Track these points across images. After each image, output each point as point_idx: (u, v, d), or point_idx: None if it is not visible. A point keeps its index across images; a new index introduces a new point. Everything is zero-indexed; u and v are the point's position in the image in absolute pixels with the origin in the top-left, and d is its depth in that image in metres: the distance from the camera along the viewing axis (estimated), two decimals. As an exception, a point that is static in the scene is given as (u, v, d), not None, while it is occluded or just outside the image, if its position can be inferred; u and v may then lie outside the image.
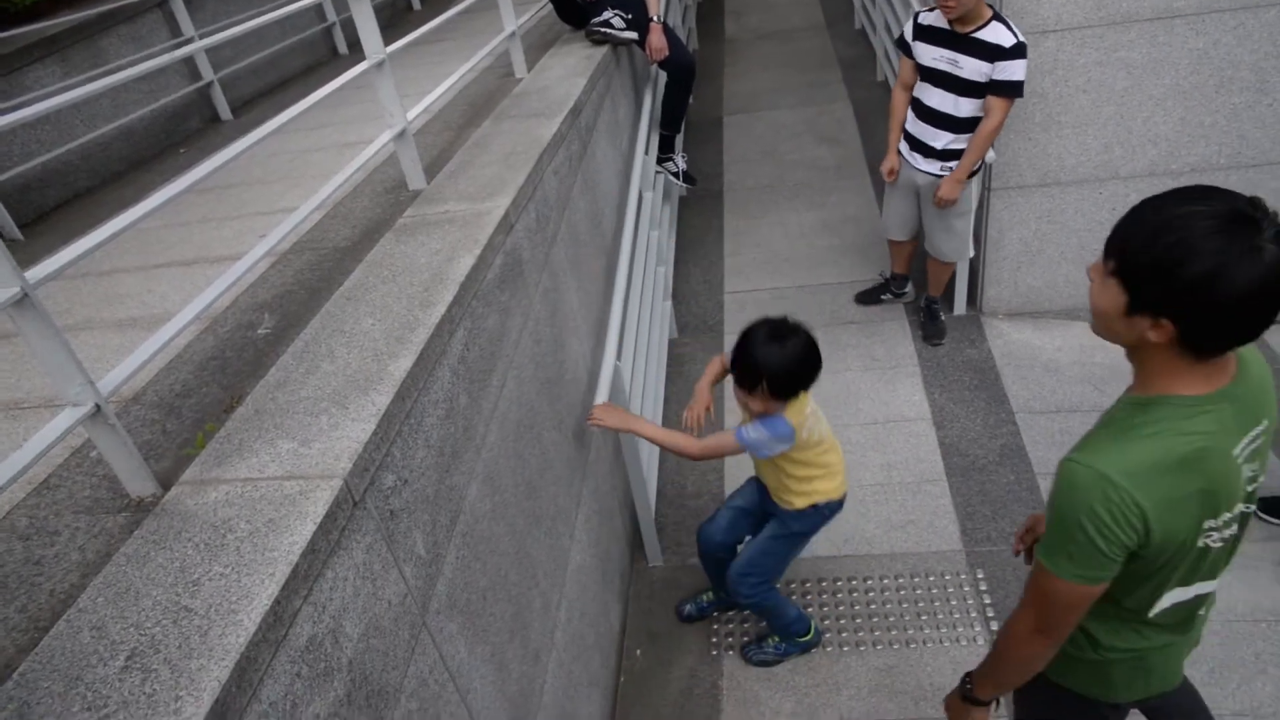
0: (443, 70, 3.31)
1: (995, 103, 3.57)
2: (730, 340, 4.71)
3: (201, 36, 4.72)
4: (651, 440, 2.78)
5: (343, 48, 6.23)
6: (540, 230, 2.65)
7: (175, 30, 4.66)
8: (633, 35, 4.20)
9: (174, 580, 1.23)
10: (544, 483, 2.45)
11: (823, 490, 2.66)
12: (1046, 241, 4.41)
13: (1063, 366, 4.23)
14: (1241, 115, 3.98)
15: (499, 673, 1.97)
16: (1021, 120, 4.05)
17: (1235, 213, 1.23)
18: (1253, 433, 1.43)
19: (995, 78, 3.51)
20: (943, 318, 4.55)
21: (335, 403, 1.55)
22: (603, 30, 4.15)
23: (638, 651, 3.21)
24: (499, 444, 2.11)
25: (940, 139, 3.77)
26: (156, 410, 1.81)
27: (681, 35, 6.49)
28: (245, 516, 1.32)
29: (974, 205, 4.06)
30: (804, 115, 7.18)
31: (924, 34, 3.69)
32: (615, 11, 4.14)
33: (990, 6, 3.51)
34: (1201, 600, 1.59)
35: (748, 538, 2.97)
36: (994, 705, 1.82)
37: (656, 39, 4.18)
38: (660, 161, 4.85)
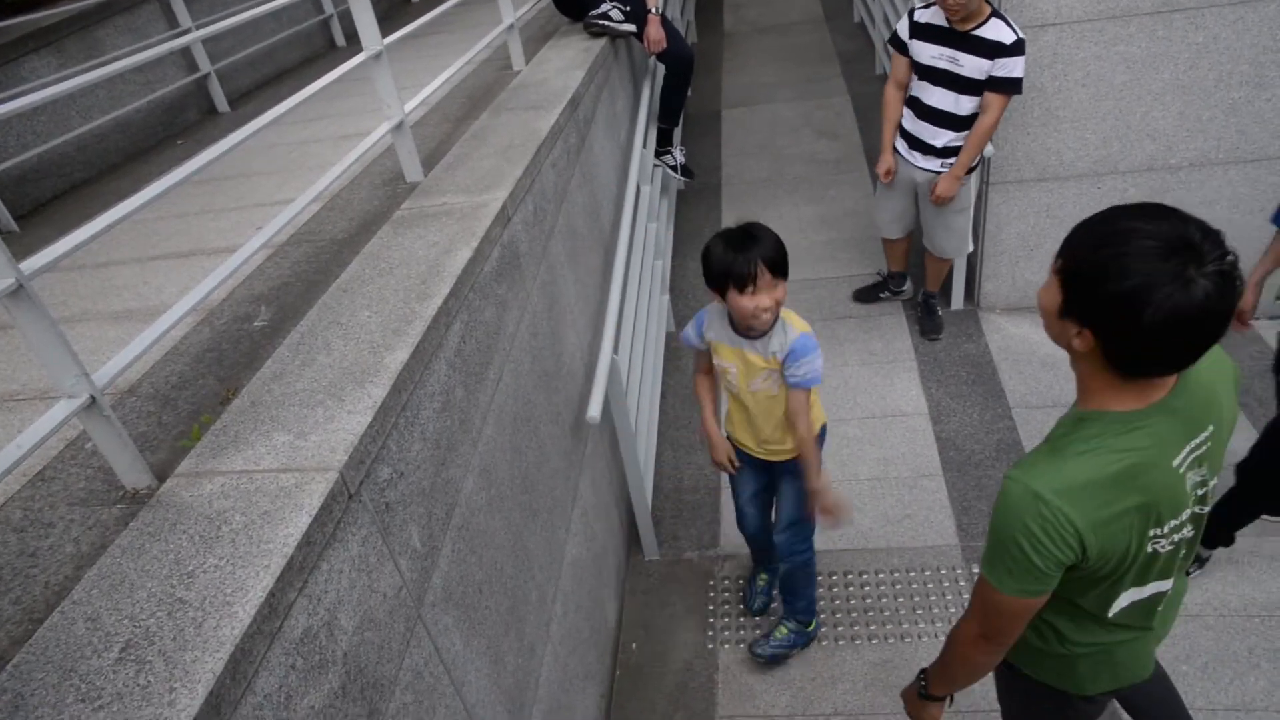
0: (440, 63, 3.30)
1: (993, 99, 3.57)
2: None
3: (199, 28, 4.70)
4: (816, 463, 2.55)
5: (340, 40, 6.21)
6: (538, 223, 2.64)
7: (172, 21, 4.64)
8: (630, 28, 4.18)
9: (169, 572, 1.23)
10: (540, 476, 2.45)
11: (817, 415, 2.63)
12: (1044, 236, 4.41)
13: (1059, 361, 4.21)
14: (1240, 110, 3.97)
15: (494, 666, 1.97)
16: (1020, 115, 4.05)
17: (1181, 239, 1.21)
18: (1195, 440, 1.43)
19: (995, 74, 3.51)
20: (940, 313, 4.54)
21: (331, 395, 1.55)
22: (601, 22, 4.14)
23: (633, 645, 3.21)
24: (495, 437, 2.11)
25: (941, 137, 3.76)
26: (152, 402, 1.81)
27: (680, 28, 6.47)
28: (240, 509, 1.32)
29: (972, 201, 4.06)
30: (802, 109, 7.16)
31: (921, 31, 3.67)
32: (614, 4, 4.13)
33: (989, 3, 3.50)
34: (1159, 597, 1.61)
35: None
36: (947, 700, 1.84)
37: (654, 30, 4.17)
38: (658, 154, 4.84)
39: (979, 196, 4.33)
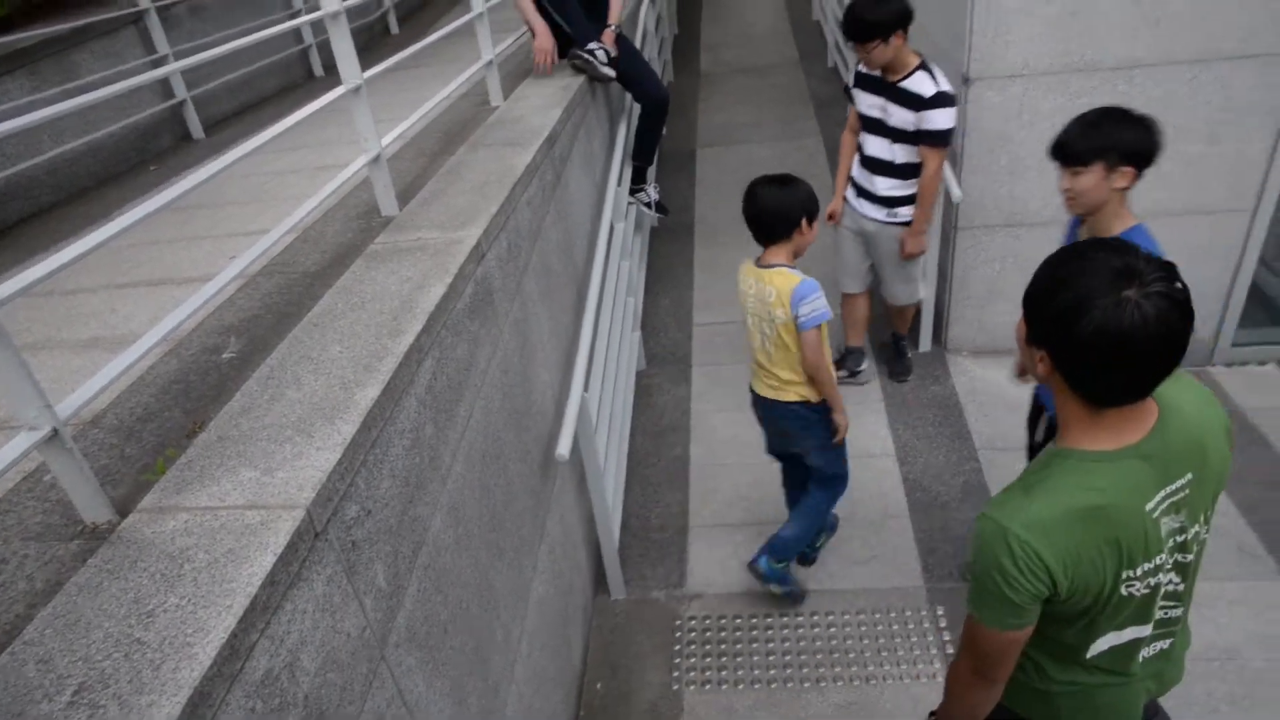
0: (419, 95, 3.31)
1: (925, 152, 3.67)
2: (700, 372, 4.75)
3: (176, 55, 4.70)
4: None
5: (319, 70, 6.23)
6: (512, 260, 2.66)
7: (150, 47, 4.64)
8: (611, 73, 4.22)
9: (127, 612, 1.20)
10: (508, 514, 2.44)
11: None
12: (1010, 281, 4.49)
13: (1025, 405, 4.28)
14: (1196, 164, 4.09)
15: (458, 707, 1.95)
16: (988, 162, 4.14)
17: (1127, 266, 1.28)
18: (1170, 487, 1.45)
19: (921, 128, 3.58)
20: (909, 355, 4.59)
21: (300, 431, 1.54)
22: (585, 57, 4.17)
23: (598, 685, 3.18)
24: (464, 475, 2.10)
25: (880, 185, 3.83)
26: (116, 434, 1.78)
27: (656, 68, 6.57)
28: (204, 546, 1.30)
29: (922, 248, 4.07)
30: (776, 150, 7.27)
31: (862, 81, 3.77)
32: (601, 45, 4.18)
33: (918, 54, 3.58)
34: (1138, 643, 1.63)
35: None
36: None
37: (609, 40, 4.21)
38: (633, 192, 4.89)
39: (945, 240, 4.41)
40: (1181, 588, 1.58)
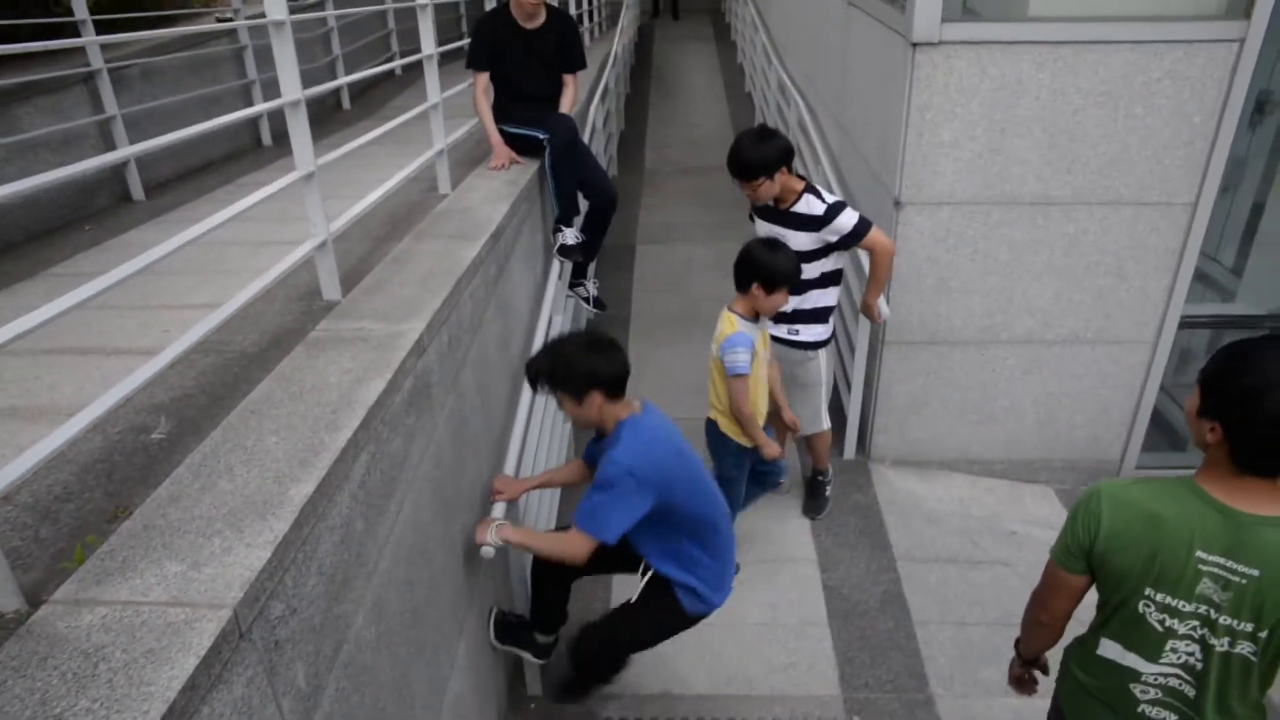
0: (368, 175, 3.35)
1: (865, 246, 3.71)
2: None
3: (125, 116, 4.68)
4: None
5: (267, 139, 6.24)
6: (451, 354, 2.68)
7: (98, 107, 4.61)
8: (578, 257, 4.54)
9: (32, 714, 1.16)
10: (430, 610, 2.41)
11: None
12: (932, 395, 4.67)
13: (943, 517, 4.42)
14: (1105, 296, 4.37)
15: (365, 814, 1.89)
16: (916, 281, 4.35)
17: None
18: (1233, 564, 1.65)
19: (829, 240, 3.66)
20: (827, 494, 4.49)
21: (230, 525, 1.52)
22: (566, 245, 4.40)
23: (509, 788, 3.10)
24: (390, 570, 2.08)
25: (790, 302, 3.88)
26: (30, 513, 1.73)
27: (603, 163, 6.75)
28: (122, 644, 1.27)
29: (824, 379, 4.07)
30: (715, 251, 7.47)
31: (759, 210, 3.86)
32: (574, 231, 4.40)
33: (803, 178, 3.72)
34: (1136, 678, 1.85)
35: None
36: (1038, 669, 2.26)
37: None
38: (572, 285, 4.98)
39: (873, 353, 4.57)
40: (1200, 667, 1.75)
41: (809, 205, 3.65)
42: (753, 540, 4.24)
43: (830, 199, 3.65)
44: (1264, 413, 1.54)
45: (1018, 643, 2.25)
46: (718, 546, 2.78)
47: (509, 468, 3.02)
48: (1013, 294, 4.39)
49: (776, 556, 4.15)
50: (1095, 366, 4.53)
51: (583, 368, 2.50)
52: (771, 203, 3.76)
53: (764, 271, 3.24)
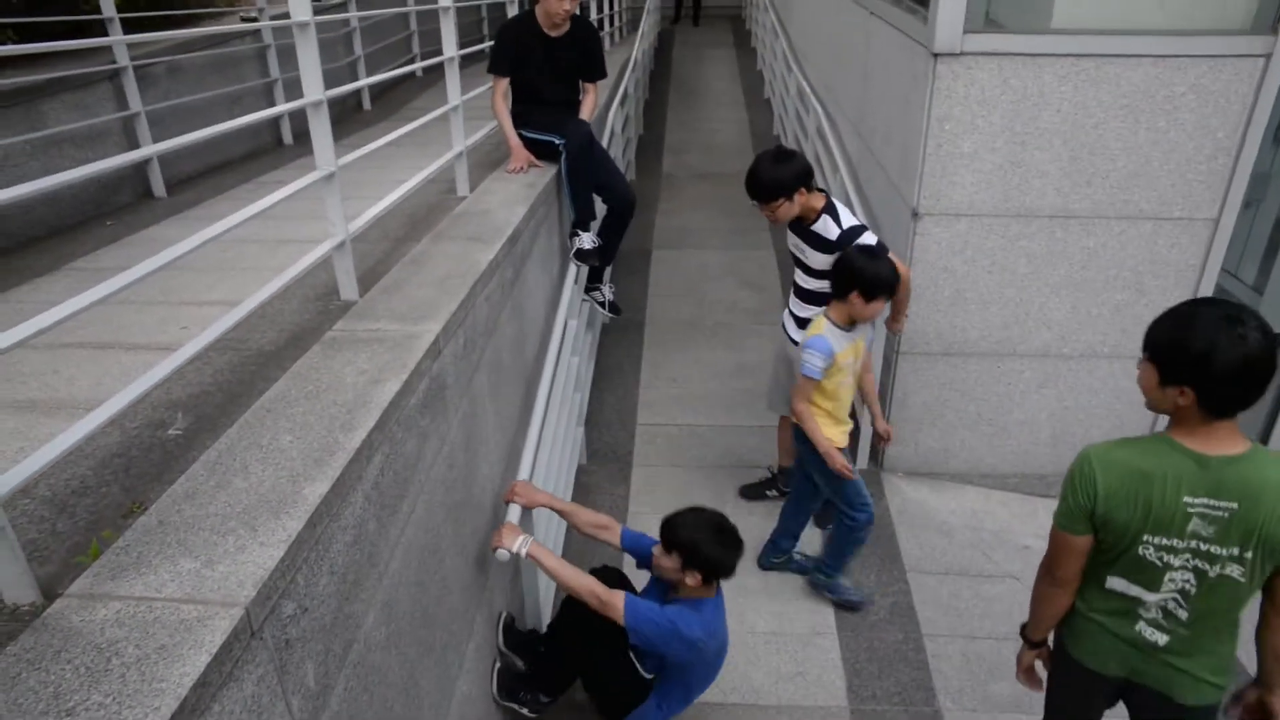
0: (387, 176, 3.36)
1: None
2: (640, 472, 4.78)
3: (149, 114, 4.72)
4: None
5: (288, 138, 6.29)
6: (466, 356, 2.69)
7: (122, 103, 4.65)
8: (595, 261, 4.55)
9: (45, 708, 1.17)
10: (440, 611, 2.41)
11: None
12: (947, 407, 4.65)
13: (954, 530, 4.39)
14: (1122, 311, 4.34)
15: (371, 814, 1.89)
16: (931, 293, 4.33)
17: (1229, 314, 1.82)
18: (1214, 502, 1.91)
19: None
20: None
21: (245, 523, 1.53)
22: (583, 250, 4.41)
23: (514, 790, 3.10)
24: (401, 571, 2.09)
25: (808, 311, 3.88)
26: (48, 507, 1.74)
27: (621, 167, 6.76)
28: (135, 640, 1.28)
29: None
30: (729, 258, 7.49)
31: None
32: (591, 235, 4.41)
33: (824, 193, 3.69)
34: (1140, 607, 2.11)
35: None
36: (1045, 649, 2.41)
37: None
38: (588, 290, 4.98)
39: (888, 365, 4.56)
40: (1194, 592, 2.01)
41: (825, 227, 3.63)
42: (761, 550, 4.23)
43: (846, 223, 3.61)
44: (1220, 368, 1.80)
45: (1024, 630, 2.41)
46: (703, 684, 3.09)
47: (523, 472, 3.03)
48: (1030, 307, 4.37)
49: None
50: (1112, 381, 4.49)
51: (704, 551, 2.75)
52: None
53: (864, 280, 3.27)
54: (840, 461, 3.44)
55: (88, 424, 1.57)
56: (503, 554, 2.68)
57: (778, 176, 3.52)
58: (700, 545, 2.73)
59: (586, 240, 4.42)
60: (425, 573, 2.28)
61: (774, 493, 4.60)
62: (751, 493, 4.64)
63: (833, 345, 3.35)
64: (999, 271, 4.29)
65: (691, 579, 2.76)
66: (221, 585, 1.38)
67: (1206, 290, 4.21)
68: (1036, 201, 4.11)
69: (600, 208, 4.90)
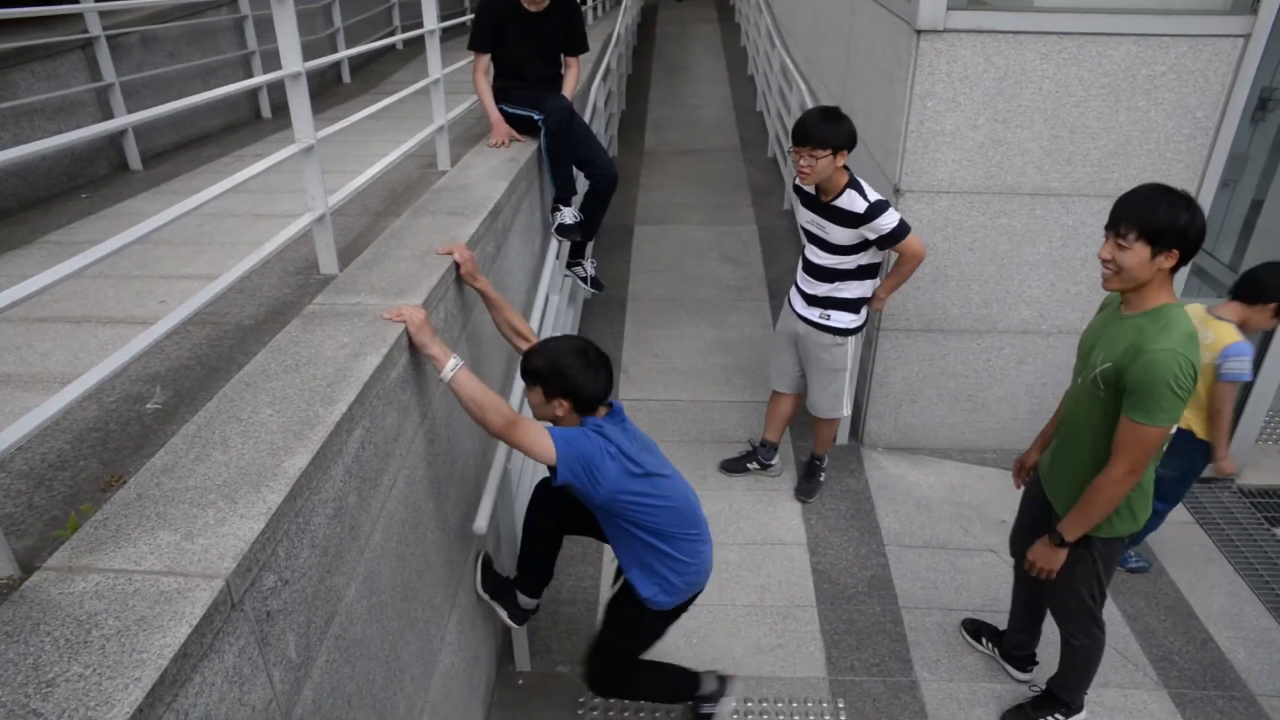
0: (367, 150, 3.33)
1: (898, 249, 3.73)
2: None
3: (123, 84, 4.64)
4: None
5: (267, 112, 6.21)
6: (447, 330, 2.68)
7: (95, 74, 4.57)
8: (576, 237, 4.56)
9: (24, 679, 1.17)
10: (422, 584, 2.42)
11: None
12: (927, 384, 4.69)
13: (933, 504, 4.44)
14: (1100, 290, 4.36)
15: (353, 784, 1.91)
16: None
17: (1182, 195, 2.29)
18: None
19: (869, 237, 3.68)
20: (821, 478, 4.54)
21: (224, 496, 1.53)
22: (563, 226, 4.42)
23: (496, 762, 3.13)
24: (383, 544, 2.09)
25: (820, 288, 3.92)
26: (25, 480, 1.73)
27: (603, 143, 6.73)
28: (115, 612, 1.28)
29: (849, 365, 4.10)
30: (712, 234, 7.48)
31: (800, 194, 3.88)
32: (572, 210, 4.40)
33: (847, 170, 3.68)
34: None
35: None
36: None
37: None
38: (570, 265, 4.97)
39: (869, 341, 4.58)
40: None
41: (851, 201, 3.63)
42: (743, 522, 4.26)
43: (872, 197, 3.63)
44: (1200, 231, 2.28)
45: (1060, 535, 2.66)
46: (684, 549, 2.70)
47: (501, 448, 3.03)
48: (1009, 284, 4.40)
49: (766, 539, 4.17)
50: (1090, 359, 4.54)
51: (566, 374, 2.48)
52: (814, 191, 3.75)
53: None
54: (1231, 466, 3.74)
55: (64, 397, 1.55)
56: (479, 526, 2.63)
57: (832, 130, 3.53)
58: (562, 369, 2.47)
59: (568, 215, 4.41)
60: (407, 546, 2.29)
61: (755, 465, 4.63)
62: (733, 466, 4.67)
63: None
64: (979, 248, 4.31)
65: (560, 409, 2.52)
66: (201, 557, 1.38)
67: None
68: (1017, 179, 4.13)
69: (582, 183, 4.88)
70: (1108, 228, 2.40)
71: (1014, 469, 3.20)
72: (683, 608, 2.84)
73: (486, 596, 3.03)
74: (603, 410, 2.62)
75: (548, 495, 2.93)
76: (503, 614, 3.05)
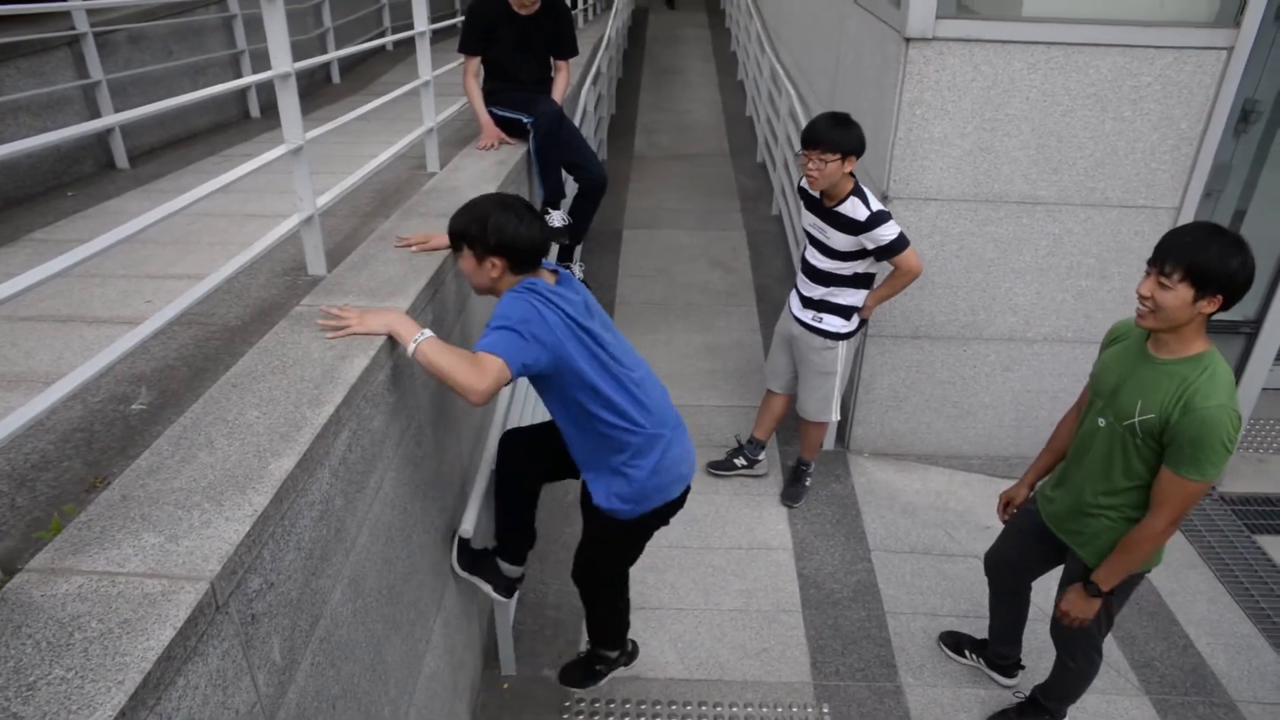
0: (356, 151, 3.32)
1: (894, 263, 3.74)
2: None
3: (110, 82, 4.62)
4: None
5: (255, 111, 6.18)
6: (436, 332, 2.67)
7: (82, 71, 4.54)
8: (565, 239, 4.56)
9: (5, 682, 1.16)
10: (407, 587, 2.42)
11: None
12: (913, 390, 4.71)
13: (919, 509, 4.46)
14: (1086, 296, 4.41)
15: (337, 788, 1.90)
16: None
17: (1238, 240, 2.17)
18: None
19: (867, 246, 3.70)
20: (807, 483, 4.54)
21: (210, 498, 1.52)
22: (555, 227, 4.40)
23: (480, 766, 3.12)
24: (369, 546, 2.09)
25: (816, 291, 3.95)
26: (7, 481, 1.72)
27: (593, 146, 6.73)
28: (98, 614, 1.27)
29: (839, 370, 4.10)
30: (701, 238, 7.49)
31: (804, 197, 3.90)
32: (560, 214, 4.38)
33: (853, 177, 3.69)
34: None
35: None
36: None
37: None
38: (559, 268, 4.96)
39: (857, 350, 4.60)
40: None
41: (853, 208, 3.65)
42: (729, 527, 4.27)
43: (875, 206, 3.64)
44: (1248, 279, 2.15)
45: (1095, 586, 2.58)
46: (644, 435, 2.54)
47: (488, 451, 3.03)
48: (996, 292, 4.42)
49: (752, 544, 4.18)
50: (1075, 365, 4.57)
51: (492, 226, 2.27)
52: (818, 195, 3.76)
53: None
54: None
55: (48, 397, 1.55)
56: (465, 530, 2.62)
57: (842, 136, 3.54)
58: (488, 221, 2.28)
59: (556, 218, 4.41)
60: (393, 549, 2.28)
61: (742, 461, 4.64)
62: (720, 467, 4.67)
63: None
64: (966, 256, 4.34)
65: (494, 269, 2.33)
66: (186, 560, 1.37)
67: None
68: (1004, 187, 4.16)
69: (571, 186, 4.88)
70: (1151, 263, 2.24)
71: (1000, 503, 3.11)
72: (653, 522, 2.68)
73: (466, 574, 2.90)
74: (550, 277, 2.43)
75: (515, 447, 2.86)
76: (487, 588, 2.91)
